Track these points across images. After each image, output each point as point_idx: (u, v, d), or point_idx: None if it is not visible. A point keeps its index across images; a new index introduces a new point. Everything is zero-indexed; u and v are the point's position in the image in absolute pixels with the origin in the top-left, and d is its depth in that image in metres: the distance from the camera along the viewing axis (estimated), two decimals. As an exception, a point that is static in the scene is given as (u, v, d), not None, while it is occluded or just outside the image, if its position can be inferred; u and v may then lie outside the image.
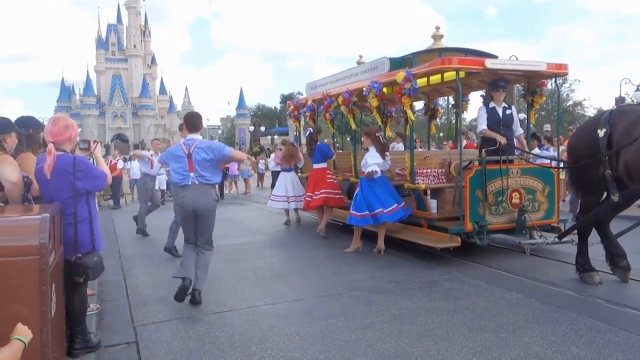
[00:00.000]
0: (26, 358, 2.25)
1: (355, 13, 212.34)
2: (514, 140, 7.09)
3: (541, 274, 6.11)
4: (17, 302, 2.86)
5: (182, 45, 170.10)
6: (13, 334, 2.23)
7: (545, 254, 7.01)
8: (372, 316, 4.76)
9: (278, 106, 78.02)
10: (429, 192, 7.32)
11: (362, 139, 7.76)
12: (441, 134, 26.46)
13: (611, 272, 5.75)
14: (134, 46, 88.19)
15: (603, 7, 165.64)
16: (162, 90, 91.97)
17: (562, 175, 9.60)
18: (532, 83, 7.66)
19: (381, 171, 7.39)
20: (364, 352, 3.96)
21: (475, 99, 10.25)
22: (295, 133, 14.29)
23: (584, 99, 46.55)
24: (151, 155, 10.34)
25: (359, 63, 10.12)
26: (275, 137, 49.96)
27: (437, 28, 8.82)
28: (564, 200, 10.79)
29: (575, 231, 6.07)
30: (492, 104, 6.99)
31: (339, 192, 9.04)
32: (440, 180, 7.36)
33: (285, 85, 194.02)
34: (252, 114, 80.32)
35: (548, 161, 7.50)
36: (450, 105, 10.95)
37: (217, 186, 17.56)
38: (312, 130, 9.54)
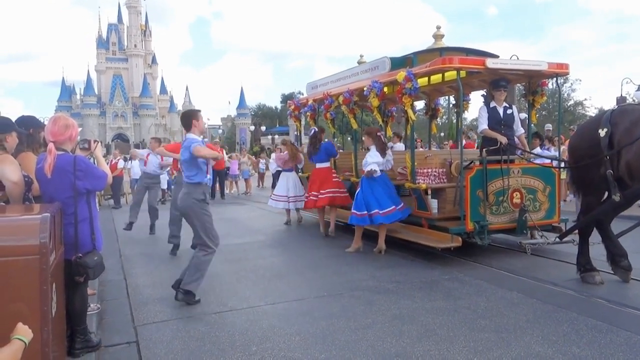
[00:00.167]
0: (27, 358, 2.25)
1: (355, 13, 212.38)
2: (515, 140, 7.08)
3: (542, 273, 6.10)
4: (18, 302, 2.86)
5: (182, 44, 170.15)
6: (13, 334, 2.23)
7: (546, 254, 7.01)
8: (373, 316, 4.75)
9: (279, 106, 78.05)
10: (429, 191, 7.32)
11: (364, 138, 7.75)
12: (442, 134, 26.47)
13: (612, 272, 5.75)
14: (135, 46, 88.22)
15: (603, 6, 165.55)
16: (163, 89, 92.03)
17: (563, 175, 9.59)
18: (533, 83, 7.65)
19: (382, 171, 7.39)
20: (365, 352, 3.95)
21: (476, 98, 10.25)
22: (295, 133, 14.29)
23: (585, 99, 46.65)
24: (147, 155, 10.47)
25: (359, 63, 10.11)
26: (276, 136, 49.93)
27: (438, 27, 8.82)
28: (564, 200, 10.78)
29: (576, 231, 6.07)
30: (493, 104, 6.98)
31: (344, 191, 9.04)
32: (441, 180, 7.35)
33: (286, 84, 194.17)
34: (252, 113, 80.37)
35: (549, 161, 7.50)
36: (451, 105, 10.95)
37: (217, 186, 17.65)
38: (316, 130, 9.53)
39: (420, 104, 12.54)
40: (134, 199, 10.94)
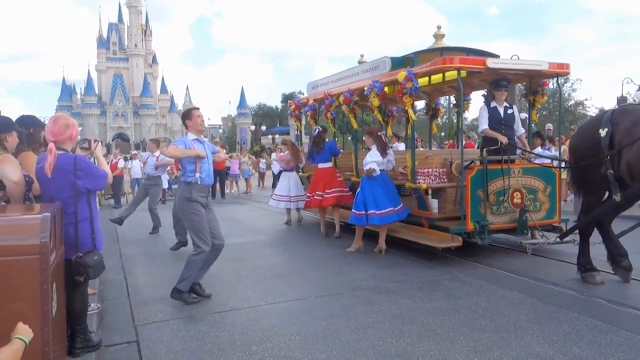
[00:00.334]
0: (27, 357, 2.25)
1: (356, 12, 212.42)
2: (516, 139, 7.08)
3: (543, 273, 6.10)
4: (18, 301, 2.85)
5: (183, 44, 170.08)
6: (14, 333, 2.23)
7: (547, 254, 7.00)
8: (373, 316, 4.75)
9: (279, 105, 78.02)
10: (430, 191, 7.32)
11: (364, 138, 7.75)
12: (442, 134, 26.46)
13: (613, 272, 5.74)
14: (135, 45, 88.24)
15: (604, 6, 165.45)
16: (163, 89, 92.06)
17: (564, 175, 9.59)
18: (533, 82, 7.64)
19: (382, 170, 7.40)
20: (365, 351, 3.95)
21: (477, 98, 10.25)
22: (296, 132, 14.29)
23: (586, 99, 46.61)
24: (147, 157, 10.62)
25: (360, 62, 10.10)
26: (277, 136, 49.94)
27: (439, 27, 8.81)
28: (565, 200, 10.78)
29: (577, 231, 6.07)
30: (493, 104, 6.98)
31: (348, 191, 9.04)
32: (442, 180, 7.35)
33: (287, 84, 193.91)
34: (253, 113, 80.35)
35: (549, 161, 7.49)
36: (451, 105, 10.95)
37: (218, 185, 17.68)
38: (320, 129, 9.55)
39: (420, 104, 12.54)
40: (134, 197, 11.02)
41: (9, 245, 2.89)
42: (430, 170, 7.33)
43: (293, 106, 11.74)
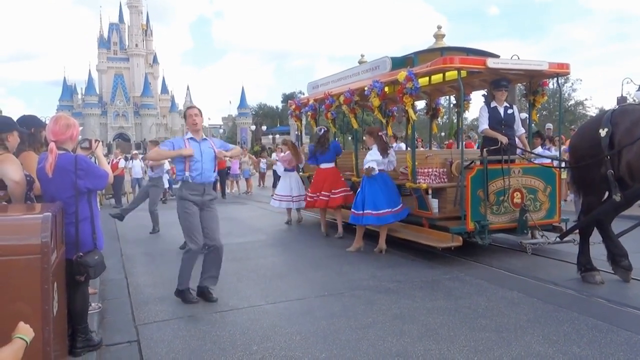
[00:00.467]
0: (28, 357, 2.26)
1: (356, 12, 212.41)
2: (516, 139, 7.08)
3: (543, 273, 6.10)
4: (19, 301, 2.86)
5: (183, 44, 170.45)
6: (15, 333, 2.24)
7: (547, 254, 7.01)
8: (374, 315, 4.76)
9: (279, 105, 77.95)
10: (430, 191, 7.32)
11: (365, 137, 7.76)
12: (442, 134, 26.44)
13: (613, 271, 5.75)
14: (136, 45, 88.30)
15: (604, 6, 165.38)
16: (164, 89, 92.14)
17: (564, 175, 9.59)
18: (533, 82, 7.65)
19: (382, 170, 7.41)
20: (366, 351, 3.96)
21: (477, 98, 10.23)
22: (296, 132, 14.28)
23: (586, 99, 46.49)
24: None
25: (360, 62, 10.11)
26: (277, 136, 49.90)
27: (439, 27, 8.81)
28: (565, 200, 10.78)
29: (577, 231, 6.07)
30: (493, 104, 6.98)
31: (350, 190, 9.05)
32: (442, 180, 7.35)
33: (287, 84, 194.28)
34: (253, 113, 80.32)
35: (549, 161, 7.49)
36: (451, 105, 10.95)
37: (218, 185, 17.78)
38: (326, 129, 9.55)
39: (421, 104, 12.54)
40: (135, 196, 11.13)
41: (10, 244, 2.90)
42: (430, 170, 7.33)
43: (293, 106, 11.74)
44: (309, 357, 3.90)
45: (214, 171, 5.50)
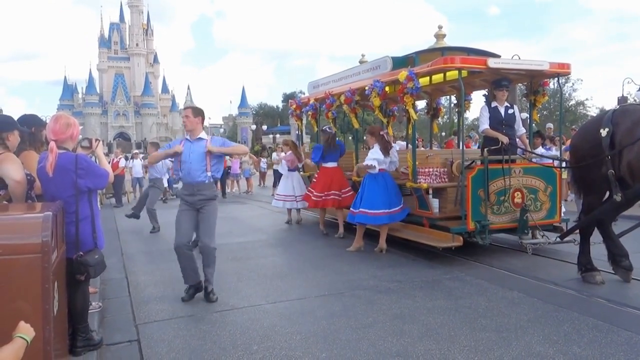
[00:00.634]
0: (29, 356, 2.26)
1: (357, 12, 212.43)
2: (516, 139, 7.08)
3: (543, 273, 6.10)
4: (20, 300, 2.86)
5: (184, 44, 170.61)
6: (16, 332, 2.24)
7: (547, 254, 7.00)
8: (374, 315, 4.76)
9: (280, 105, 77.97)
10: (430, 191, 7.32)
11: (367, 137, 7.75)
12: (443, 133, 26.45)
13: (613, 272, 5.75)
14: (137, 45, 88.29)
15: (604, 6, 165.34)
16: (165, 89, 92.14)
17: (564, 175, 9.58)
18: (534, 82, 7.65)
19: (386, 170, 7.42)
20: (366, 351, 3.96)
21: (478, 98, 10.24)
22: (297, 132, 14.28)
23: (587, 99, 46.38)
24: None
25: (361, 62, 10.10)
26: (277, 135, 49.86)
27: (440, 27, 8.80)
28: (565, 200, 10.77)
29: (577, 231, 6.07)
30: (494, 104, 6.99)
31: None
32: (442, 180, 7.35)
33: (288, 84, 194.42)
34: (254, 112, 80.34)
35: (550, 161, 7.49)
36: (452, 105, 10.95)
37: (219, 185, 17.92)
38: (332, 129, 9.53)
39: (421, 104, 12.54)
40: (141, 194, 11.30)
41: (10, 244, 2.90)
42: (431, 169, 7.33)
43: (294, 106, 11.74)
44: (309, 356, 3.90)
45: (206, 171, 5.32)
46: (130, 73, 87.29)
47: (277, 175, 15.20)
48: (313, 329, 4.46)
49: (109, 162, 9.36)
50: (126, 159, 19.68)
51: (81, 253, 3.79)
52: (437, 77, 8.54)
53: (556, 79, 7.89)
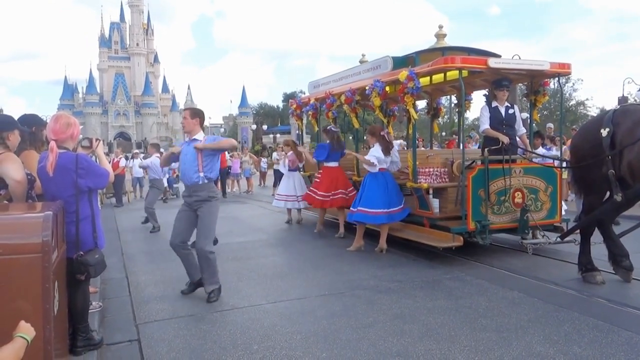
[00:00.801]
0: (29, 355, 2.26)
1: (358, 12, 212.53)
2: (517, 139, 7.08)
3: (543, 273, 6.10)
4: (20, 300, 2.86)
5: (184, 43, 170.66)
6: (16, 332, 2.24)
7: (548, 254, 7.00)
8: (374, 315, 4.76)
9: (280, 105, 77.96)
10: (431, 191, 7.32)
11: (367, 137, 7.75)
12: (443, 133, 26.46)
13: (614, 272, 5.74)
14: (137, 44, 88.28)
15: (605, 6, 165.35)
16: (165, 88, 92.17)
17: (565, 175, 9.58)
18: (535, 82, 7.64)
19: (386, 169, 7.43)
20: (366, 351, 3.95)
21: (478, 98, 10.24)
22: (297, 132, 14.28)
23: (587, 99, 46.40)
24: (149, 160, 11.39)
25: (361, 62, 10.09)
26: (278, 135, 49.87)
27: (440, 27, 8.80)
28: (566, 200, 10.77)
29: (578, 231, 6.06)
30: (494, 103, 6.98)
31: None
32: (443, 180, 7.35)
33: (288, 83, 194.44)
34: (254, 112, 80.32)
35: (551, 160, 7.49)
36: (452, 105, 10.95)
37: (219, 184, 18.03)
38: (337, 128, 9.52)
39: (422, 103, 12.55)
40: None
41: (11, 243, 2.90)
42: (431, 169, 7.32)
43: (294, 105, 11.74)
44: (310, 356, 3.90)
45: (198, 172, 5.30)
46: (131, 73, 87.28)
47: (278, 175, 15.21)
48: (313, 328, 4.46)
49: (110, 162, 9.40)
50: (126, 158, 19.69)
51: (81, 253, 3.79)
52: (438, 77, 8.53)
53: (557, 79, 7.88)
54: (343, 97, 8.92)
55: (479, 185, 6.56)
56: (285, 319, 4.76)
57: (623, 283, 5.60)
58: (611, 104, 33.43)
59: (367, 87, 8.02)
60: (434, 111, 10.45)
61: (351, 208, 7.69)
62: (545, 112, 38.38)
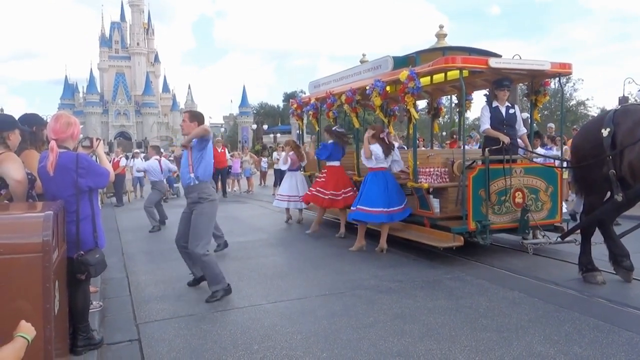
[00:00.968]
0: (29, 355, 2.26)
1: (358, 12, 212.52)
2: (517, 139, 7.07)
3: (544, 273, 6.10)
4: (21, 300, 2.86)
5: (185, 43, 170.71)
6: (16, 332, 2.24)
7: (548, 254, 7.00)
8: (375, 315, 4.76)
9: (281, 104, 77.88)
10: (431, 191, 7.31)
11: (367, 135, 7.74)
12: (444, 133, 26.42)
13: (614, 272, 5.74)
14: (137, 44, 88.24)
15: (605, 6, 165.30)
16: (165, 88, 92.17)
17: (565, 175, 9.58)
18: (535, 82, 7.64)
19: (386, 168, 7.44)
20: (367, 350, 3.95)
21: (479, 98, 10.23)
22: (297, 132, 14.28)
23: (587, 99, 46.36)
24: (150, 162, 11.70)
25: (362, 62, 10.09)
26: (278, 135, 49.85)
27: (441, 27, 8.79)
28: (567, 200, 10.77)
29: (578, 231, 6.06)
30: (495, 103, 6.98)
31: None
32: (443, 180, 7.34)
33: (288, 83, 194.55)
34: (254, 112, 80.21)
35: (551, 160, 7.48)
36: (453, 104, 10.94)
37: (219, 184, 18.05)
38: (342, 128, 9.51)
39: (422, 103, 12.54)
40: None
41: (11, 243, 2.90)
42: (432, 169, 7.32)
43: (295, 105, 11.73)
44: (310, 356, 3.90)
45: (189, 173, 5.38)
46: (131, 72, 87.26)
47: (278, 175, 15.21)
48: (314, 328, 4.46)
49: (110, 162, 9.40)
50: (127, 158, 19.69)
51: (82, 252, 3.79)
52: (438, 77, 8.53)
53: (557, 78, 7.88)
54: (344, 97, 8.91)
55: (479, 185, 6.56)
56: (286, 318, 4.76)
57: (624, 283, 5.59)
58: (611, 104, 33.46)
59: (367, 87, 8.01)
60: (434, 111, 10.45)
61: (352, 207, 7.69)
62: (545, 112, 38.34)
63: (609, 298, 5.08)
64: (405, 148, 9.97)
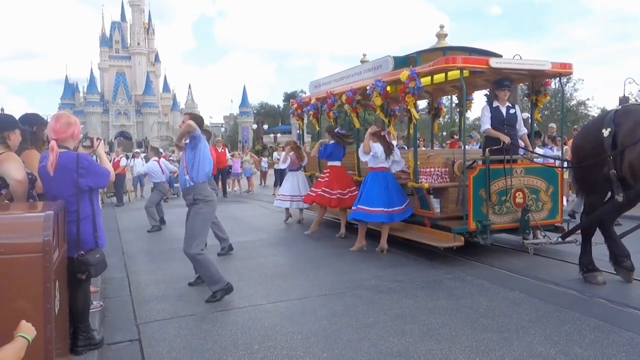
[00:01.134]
0: (30, 355, 2.26)
1: (358, 12, 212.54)
2: (518, 139, 7.07)
3: (544, 273, 6.09)
4: (21, 300, 2.86)
5: (185, 43, 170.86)
6: (17, 331, 2.24)
7: (549, 254, 7.00)
8: (375, 315, 4.75)
9: (281, 104, 77.90)
10: (432, 191, 7.31)
11: (367, 133, 7.74)
12: (444, 133, 26.41)
13: (615, 272, 5.73)
14: (138, 44, 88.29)
15: (605, 6, 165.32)
16: (166, 88, 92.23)
17: (566, 175, 9.57)
18: (536, 82, 7.64)
19: (386, 167, 7.45)
20: (367, 351, 3.95)
21: (479, 98, 10.20)
22: (298, 132, 14.28)
23: (588, 99, 46.34)
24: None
25: (362, 62, 10.09)
26: (278, 135, 49.85)
27: (442, 27, 8.79)
28: (567, 200, 10.76)
29: (579, 231, 6.06)
30: (495, 103, 6.98)
31: None
32: (444, 180, 7.34)
33: (289, 83, 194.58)
34: (255, 112, 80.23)
35: (552, 161, 7.48)
36: (454, 104, 10.93)
37: (220, 184, 18.06)
38: (344, 129, 9.53)
39: (422, 103, 12.53)
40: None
41: (12, 243, 2.90)
42: (432, 169, 7.32)
43: (295, 105, 11.73)
44: (310, 356, 3.90)
45: (184, 174, 5.42)
46: (132, 72, 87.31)
47: (278, 175, 15.21)
48: (314, 328, 4.46)
49: (110, 161, 9.41)
50: (127, 158, 19.70)
51: (82, 252, 3.79)
52: (439, 77, 8.52)
53: (558, 78, 7.87)
54: (344, 97, 8.91)
55: (480, 185, 6.56)
56: (286, 318, 4.76)
57: (624, 283, 5.59)
58: (612, 104, 33.49)
59: (368, 87, 8.01)
60: (435, 111, 10.44)
61: (352, 207, 7.69)
62: (546, 112, 38.35)
63: (610, 298, 5.08)
64: (406, 148, 9.97)
